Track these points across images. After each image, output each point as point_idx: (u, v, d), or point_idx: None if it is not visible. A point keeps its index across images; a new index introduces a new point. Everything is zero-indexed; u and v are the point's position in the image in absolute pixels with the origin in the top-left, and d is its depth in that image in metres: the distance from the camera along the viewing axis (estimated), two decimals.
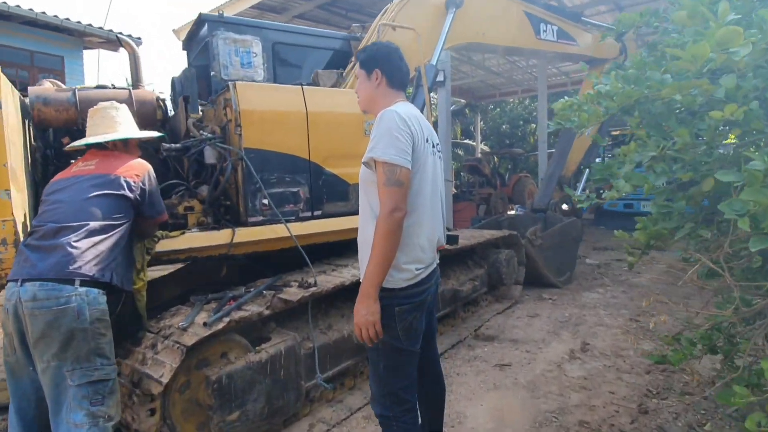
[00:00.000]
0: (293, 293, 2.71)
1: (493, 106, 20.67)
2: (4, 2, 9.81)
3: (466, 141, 19.38)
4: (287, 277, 3.05)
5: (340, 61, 4.35)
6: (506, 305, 4.95)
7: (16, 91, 2.64)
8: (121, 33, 11.84)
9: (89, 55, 12.36)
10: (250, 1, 9.15)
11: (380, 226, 1.68)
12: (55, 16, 10.75)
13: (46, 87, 2.85)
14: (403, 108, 1.82)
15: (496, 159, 16.53)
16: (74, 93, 2.83)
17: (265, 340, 2.68)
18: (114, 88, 3.23)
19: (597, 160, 9.07)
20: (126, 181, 2.14)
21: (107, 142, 2.26)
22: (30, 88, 2.78)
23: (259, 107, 2.84)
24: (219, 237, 2.71)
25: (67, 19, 10.92)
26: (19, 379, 1.94)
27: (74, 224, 1.96)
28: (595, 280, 6.24)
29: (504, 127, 20.56)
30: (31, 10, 10.32)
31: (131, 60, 3.16)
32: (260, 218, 2.86)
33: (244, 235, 2.78)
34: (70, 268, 1.88)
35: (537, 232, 5.44)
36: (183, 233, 2.65)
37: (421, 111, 4.17)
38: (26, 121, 2.75)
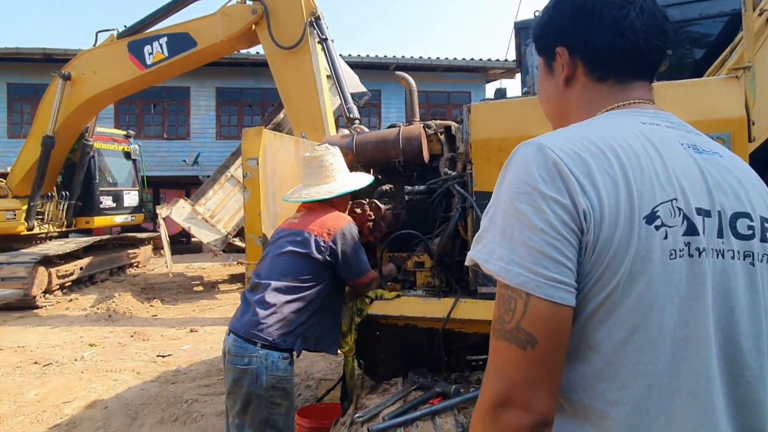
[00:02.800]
0: None
1: None
2: (429, 57, 12.33)
3: None
4: None
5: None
6: None
7: (300, 141, 2.96)
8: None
9: (492, 87, 13.84)
10: None
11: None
12: (463, 58, 12.60)
13: (336, 135, 3.08)
14: (587, 132, 0.68)
15: None
16: (353, 138, 2.91)
17: None
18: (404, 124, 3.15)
19: None
20: (315, 240, 1.94)
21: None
22: (324, 139, 3.07)
23: (498, 134, 1.98)
24: (436, 307, 2.08)
25: (472, 59, 12.60)
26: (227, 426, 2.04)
27: (265, 282, 1.92)
28: None
29: None
30: (446, 58, 12.53)
31: (407, 94, 2.99)
32: (493, 289, 2.00)
33: (467, 309, 2.01)
34: (255, 329, 1.83)
35: None
36: (398, 296, 2.19)
37: None
38: None
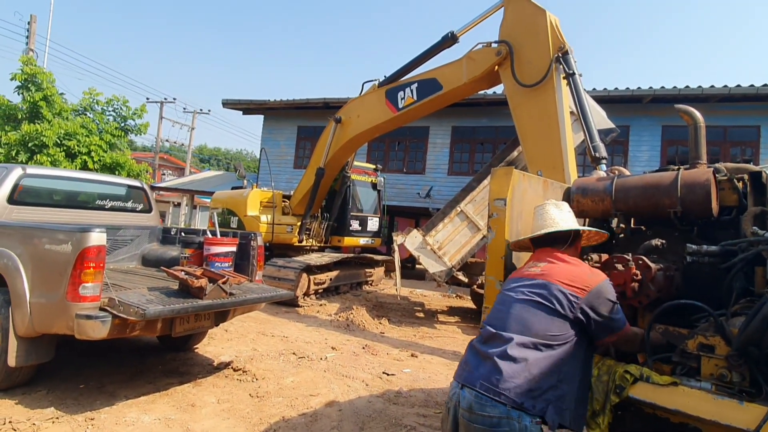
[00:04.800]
0: None
1: None
2: (699, 86, 10.37)
3: None
4: None
5: None
6: None
7: (550, 182, 2.72)
8: None
9: None
10: None
11: None
12: (751, 85, 10.15)
13: (591, 177, 2.75)
14: None
15: None
16: (612, 181, 2.55)
17: None
18: (679, 167, 2.62)
19: None
20: (565, 295, 1.72)
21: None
22: (575, 180, 2.79)
23: None
24: (736, 413, 1.54)
25: (765, 85, 10.01)
26: None
27: (505, 334, 1.75)
28: None
29: None
30: (725, 86, 10.33)
31: (691, 132, 2.46)
32: None
33: None
34: (499, 386, 1.65)
35: None
36: (675, 384, 1.72)
37: None
38: None
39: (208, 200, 14.66)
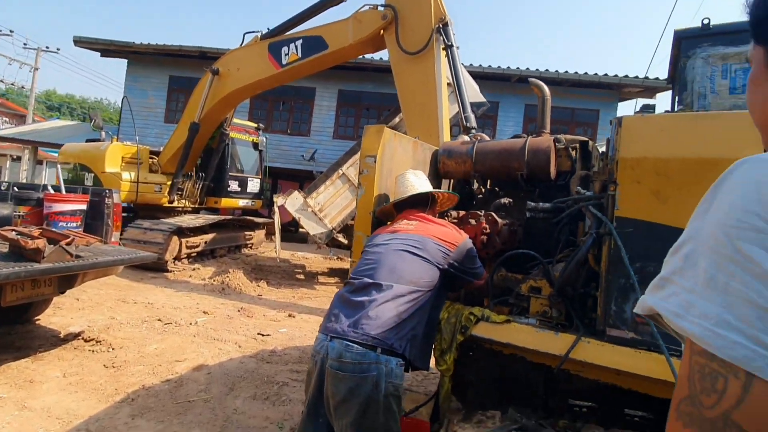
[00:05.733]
0: None
1: None
2: (556, 71, 11.63)
3: None
4: None
5: None
6: None
7: (419, 143, 2.86)
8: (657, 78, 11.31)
9: (624, 107, 12.64)
10: None
11: None
12: (595, 74, 11.65)
13: (456, 141, 2.95)
14: None
15: None
16: (473, 145, 2.77)
17: None
18: (531, 135, 2.92)
19: None
20: (438, 248, 1.90)
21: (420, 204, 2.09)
22: (443, 143, 2.96)
23: (656, 153, 1.68)
24: (552, 342, 1.84)
25: (605, 74, 11.59)
26: (307, 426, 1.92)
27: (383, 284, 1.82)
28: None
29: None
30: (576, 72, 11.71)
31: (539, 103, 2.76)
32: (626, 334, 1.71)
33: (591, 351, 1.74)
34: (373, 333, 1.72)
35: None
36: (508, 321, 1.99)
37: None
38: None
39: (57, 154, 12.59)
